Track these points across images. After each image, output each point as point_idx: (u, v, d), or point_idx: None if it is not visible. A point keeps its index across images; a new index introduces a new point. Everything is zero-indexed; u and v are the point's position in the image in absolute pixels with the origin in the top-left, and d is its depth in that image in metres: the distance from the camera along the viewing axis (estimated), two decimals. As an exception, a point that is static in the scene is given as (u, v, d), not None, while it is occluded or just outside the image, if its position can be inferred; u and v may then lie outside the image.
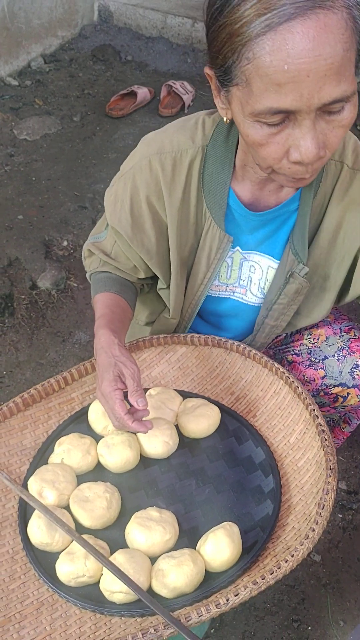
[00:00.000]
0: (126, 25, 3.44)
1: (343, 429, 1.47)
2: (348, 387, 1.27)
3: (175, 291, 1.18)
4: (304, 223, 1.07)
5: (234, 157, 1.03)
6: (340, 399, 1.31)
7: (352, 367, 1.25)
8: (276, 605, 1.35)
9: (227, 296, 1.22)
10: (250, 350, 1.21)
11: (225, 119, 0.91)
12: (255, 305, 1.22)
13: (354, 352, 1.26)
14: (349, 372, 1.26)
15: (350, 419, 1.44)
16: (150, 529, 0.97)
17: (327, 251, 1.11)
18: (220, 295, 1.22)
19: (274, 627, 1.32)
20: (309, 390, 1.31)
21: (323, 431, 1.06)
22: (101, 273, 1.23)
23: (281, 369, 1.17)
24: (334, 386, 1.28)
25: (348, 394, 1.29)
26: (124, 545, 0.98)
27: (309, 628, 1.32)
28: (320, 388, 1.30)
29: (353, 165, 1.03)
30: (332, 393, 1.30)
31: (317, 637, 1.31)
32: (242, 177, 1.05)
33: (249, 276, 1.18)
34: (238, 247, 1.14)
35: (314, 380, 1.31)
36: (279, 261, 1.14)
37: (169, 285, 1.18)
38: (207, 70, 0.86)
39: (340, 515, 1.50)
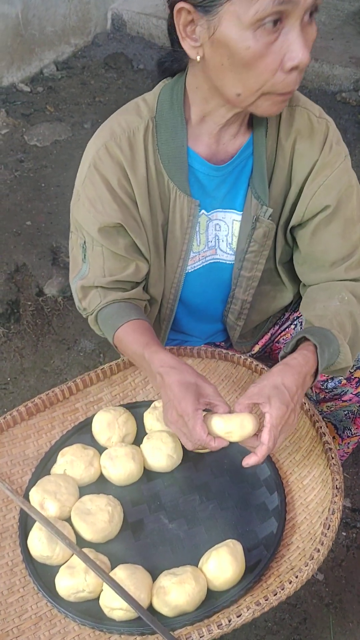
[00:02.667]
0: (139, 34, 3.45)
1: None
2: None
3: (153, 270, 1.16)
4: (261, 163, 1.08)
5: (184, 118, 1.04)
6: None
7: None
8: (277, 624, 1.33)
9: (200, 265, 1.20)
10: (257, 365, 1.19)
11: (197, 57, 0.93)
12: (227, 262, 1.21)
13: None
14: None
15: None
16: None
17: (284, 188, 1.12)
18: (195, 268, 1.20)
19: (275, 646, 1.30)
20: (326, 377, 1.28)
21: (330, 449, 1.04)
22: (108, 306, 1.16)
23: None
24: (356, 369, 1.26)
25: None
26: (125, 559, 0.97)
27: (311, 649, 1.30)
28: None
29: (290, 103, 1.08)
30: (354, 377, 1.27)
31: (319, 659, 1.29)
32: (198, 134, 1.06)
33: (215, 235, 1.17)
34: (203, 211, 1.13)
35: None
36: (241, 212, 1.14)
37: None
38: (181, 5, 0.88)
39: (344, 534, 1.48)
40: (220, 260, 1.21)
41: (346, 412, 1.36)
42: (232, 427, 0.95)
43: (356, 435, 1.39)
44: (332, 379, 1.27)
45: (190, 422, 0.95)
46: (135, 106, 1.08)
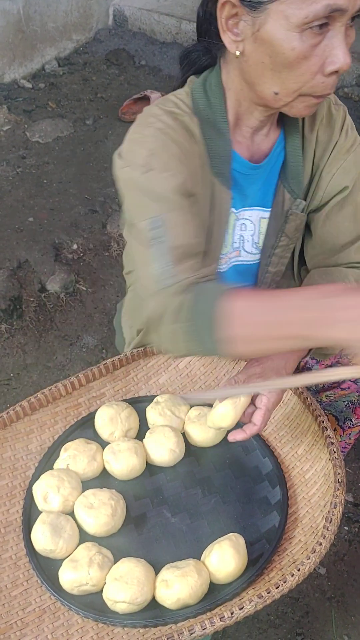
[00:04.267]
0: (141, 30, 3.45)
1: None
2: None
3: None
4: (296, 157, 1.07)
5: (226, 118, 1.01)
6: None
7: None
8: (280, 618, 1.33)
9: (225, 267, 1.17)
10: (259, 359, 1.20)
11: (237, 52, 0.91)
12: (251, 263, 1.19)
13: None
14: None
15: None
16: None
17: (309, 178, 1.11)
18: (220, 270, 1.16)
19: (277, 640, 1.31)
20: (325, 366, 1.28)
21: (332, 443, 1.05)
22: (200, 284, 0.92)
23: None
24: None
25: None
26: (128, 553, 0.97)
27: (313, 642, 1.31)
28: (339, 360, 1.27)
29: None
30: (352, 365, 1.26)
31: (321, 652, 1.29)
32: (235, 135, 1.04)
33: (241, 235, 1.15)
34: (232, 209, 1.11)
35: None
36: (269, 208, 1.12)
37: None
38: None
39: (346, 528, 1.48)
40: (244, 262, 1.19)
41: (346, 402, 1.35)
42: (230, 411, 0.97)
43: (357, 426, 1.38)
44: (330, 366, 1.27)
45: None
46: (170, 102, 1.01)
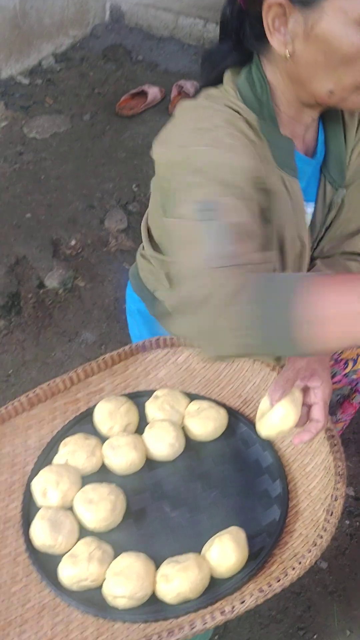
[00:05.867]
0: (137, 26, 3.43)
1: (352, 400, 1.41)
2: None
3: None
4: (339, 147, 1.04)
5: (274, 114, 0.95)
6: (351, 364, 1.26)
7: None
8: (281, 613, 1.33)
9: None
10: (258, 353, 1.19)
11: (286, 53, 0.87)
12: None
13: None
14: None
15: None
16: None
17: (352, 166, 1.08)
18: None
19: (279, 635, 1.30)
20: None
21: (332, 436, 1.04)
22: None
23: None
24: (344, 350, 1.25)
25: (358, 355, 1.24)
26: (128, 547, 0.96)
27: (315, 637, 1.30)
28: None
29: None
30: (341, 359, 1.26)
31: (323, 646, 1.29)
32: (289, 132, 1.00)
33: None
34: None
35: None
36: (313, 202, 1.09)
37: None
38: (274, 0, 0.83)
39: (347, 522, 1.48)
40: None
41: (338, 396, 1.34)
42: (289, 413, 0.91)
43: (341, 421, 1.37)
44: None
45: None
46: (221, 101, 0.94)
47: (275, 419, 0.91)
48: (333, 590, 1.36)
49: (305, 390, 0.93)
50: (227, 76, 0.98)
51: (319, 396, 0.90)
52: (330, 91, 0.89)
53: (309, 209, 1.10)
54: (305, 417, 0.95)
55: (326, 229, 1.15)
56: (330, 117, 1.04)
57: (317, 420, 0.90)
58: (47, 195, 2.35)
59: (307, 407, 0.95)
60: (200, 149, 0.85)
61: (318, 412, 0.90)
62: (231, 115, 0.92)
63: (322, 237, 1.16)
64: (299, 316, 0.67)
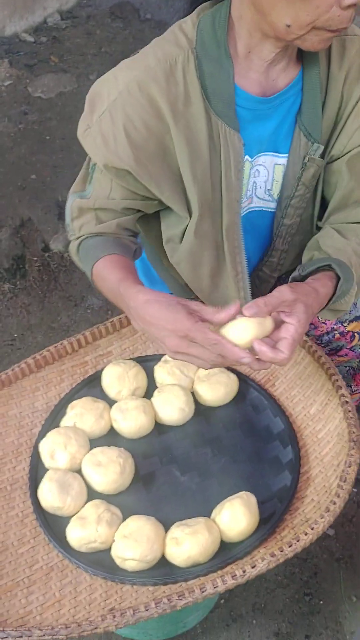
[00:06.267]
0: (146, -18, 3.32)
1: None
2: None
3: (199, 229, 1.06)
4: (314, 97, 1.01)
5: (228, 50, 0.96)
6: (357, 337, 1.24)
7: None
8: (288, 578, 1.33)
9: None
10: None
11: None
12: (265, 209, 1.13)
13: None
14: None
15: None
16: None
17: (332, 122, 1.05)
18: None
19: (284, 599, 1.30)
20: (321, 332, 1.24)
21: (347, 402, 1.02)
22: (95, 237, 1.10)
23: (304, 338, 1.12)
24: (349, 322, 1.22)
25: None
26: (136, 511, 0.95)
27: (321, 602, 1.30)
28: (334, 327, 1.24)
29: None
30: (347, 331, 1.23)
31: (329, 612, 1.29)
32: (246, 69, 0.98)
33: (254, 182, 1.09)
34: (247, 157, 1.05)
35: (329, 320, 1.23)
36: (285, 154, 1.07)
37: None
38: None
39: (355, 490, 1.47)
40: (257, 208, 1.13)
41: (347, 367, 1.32)
42: (250, 330, 0.86)
43: (357, 392, 1.35)
44: (326, 333, 1.24)
45: (199, 334, 0.85)
46: (172, 36, 0.98)
47: (233, 330, 0.87)
48: (339, 557, 1.36)
49: (278, 325, 0.89)
50: (202, 7, 0.99)
51: (290, 332, 0.87)
52: (287, 25, 0.88)
53: (280, 160, 1.07)
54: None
55: (318, 196, 1.11)
56: (308, 65, 1.00)
57: (281, 351, 0.87)
58: (53, 156, 2.29)
59: (274, 342, 0.90)
60: (86, 131, 1.03)
61: (284, 345, 0.87)
62: (147, 71, 0.96)
63: (319, 205, 1.13)
64: (93, 273, 1.08)
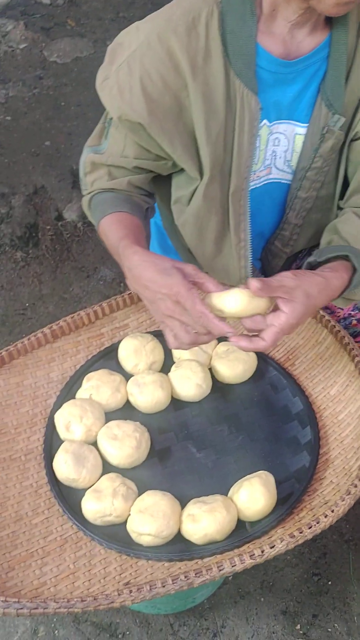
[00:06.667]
0: None
1: None
2: None
3: (208, 192, 1.03)
4: (339, 65, 0.98)
5: (254, 7, 0.93)
6: None
7: None
8: (297, 558, 1.33)
9: (254, 185, 1.09)
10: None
11: None
12: (283, 181, 1.10)
13: None
14: None
15: None
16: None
17: (358, 95, 1.01)
18: (250, 187, 1.08)
19: (293, 579, 1.30)
20: (338, 317, 1.21)
21: (370, 385, 1.00)
22: (106, 193, 1.09)
23: (327, 317, 1.10)
24: None
25: None
26: (152, 486, 0.94)
27: (329, 583, 1.30)
28: (351, 313, 1.21)
29: None
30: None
31: (337, 593, 1.29)
32: (270, 28, 0.95)
33: (273, 151, 1.06)
34: (265, 121, 1.02)
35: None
36: (306, 124, 1.03)
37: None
38: None
39: (365, 473, 1.46)
40: (276, 180, 1.10)
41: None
42: (240, 301, 0.85)
43: None
44: (343, 318, 1.21)
45: (189, 302, 0.83)
46: None
47: (227, 298, 0.86)
48: (349, 539, 1.35)
49: (274, 310, 0.87)
50: None
51: (280, 321, 0.85)
52: None
53: (300, 130, 1.04)
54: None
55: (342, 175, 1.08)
56: (337, 31, 0.96)
57: (263, 339, 0.86)
58: (67, 123, 2.24)
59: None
60: (105, 81, 1.02)
61: (268, 334, 0.86)
62: (168, 23, 0.93)
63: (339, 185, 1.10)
64: (99, 230, 1.08)
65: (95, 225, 1.10)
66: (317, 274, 0.93)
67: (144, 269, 0.89)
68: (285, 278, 0.87)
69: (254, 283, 0.83)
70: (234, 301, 0.86)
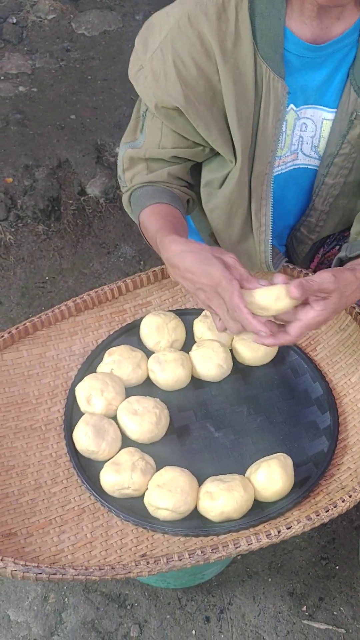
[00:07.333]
0: None
1: None
2: None
3: (236, 175, 1.02)
4: None
5: None
6: None
7: None
8: (306, 541, 1.34)
9: (280, 171, 1.09)
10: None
11: None
12: (310, 167, 1.10)
13: None
14: None
15: None
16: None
17: None
18: (276, 173, 1.08)
19: (301, 562, 1.32)
20: None
21: (392, 373, 1.00)
22: (145, 187, 1.09)
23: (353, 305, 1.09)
24: None
25: None
26: (170, 462, 0.95)
27: (337, 567, 1.31)
28: None
29: None
30: None
31: (345, 577, 1.30)
32: (298, 12, 0.93)
33: (300, 136, 1.05)
34: (292, 105, 1.01)
35: None
36: (334, 109, 1.02)
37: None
38: None
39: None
40: (303, 166, 1.09)
41: None
42: (280, 299, 0.84)
43: None
44: None
45: (227, 293, 0.83)
46: None
47: (268, 293, 0.85)
48: (359, 526, 1.36)
49: (303, 303, 0.87)
50: None
51: (308, 317, 0.86)
52: None
53: (328, 115, 1.03)
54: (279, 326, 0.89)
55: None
56: None
57: (288, 333, 0.86)
58: (93, 97, 2.22)
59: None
60: (140, 71, 1.01)
61: (294, 328, 0.86)
62: (199, 5, 0.93)
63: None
64: (140, 224, 1.08)
65: (136, 223, 1.09)
66: (352, 270, 0.91)
67: (181, 258, 0.88)
68: (326, 282, 0.86)
69: (295, 292, 0.83)
70: (271, 299, 0.85)
